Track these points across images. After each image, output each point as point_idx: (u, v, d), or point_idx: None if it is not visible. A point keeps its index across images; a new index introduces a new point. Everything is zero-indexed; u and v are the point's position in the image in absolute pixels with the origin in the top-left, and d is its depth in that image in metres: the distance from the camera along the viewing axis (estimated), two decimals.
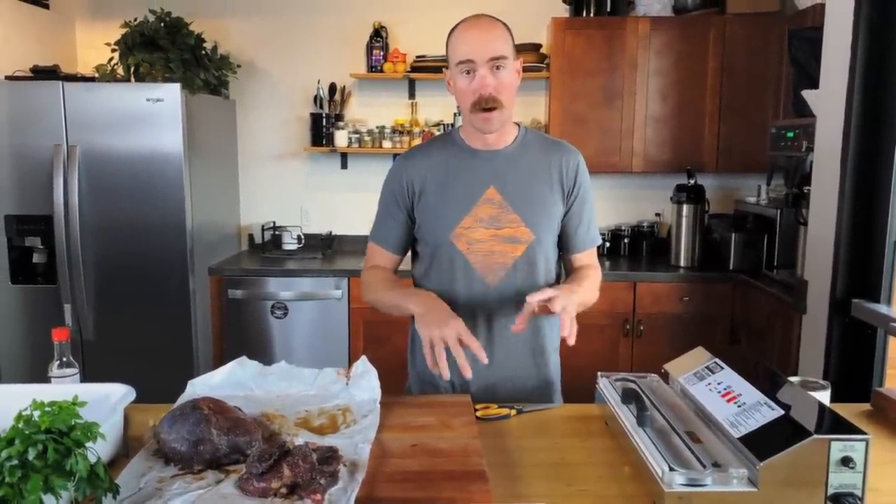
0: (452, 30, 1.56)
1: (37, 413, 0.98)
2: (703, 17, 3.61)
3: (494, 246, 1.59)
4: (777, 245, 3.35)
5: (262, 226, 3.94)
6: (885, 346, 2.39)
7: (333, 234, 4.00)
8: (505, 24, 1.55)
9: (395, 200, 1.65)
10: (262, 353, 3.49)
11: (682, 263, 3.63)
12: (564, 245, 1.69)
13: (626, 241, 3.95)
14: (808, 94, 2.81)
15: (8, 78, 3.27)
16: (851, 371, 2.49)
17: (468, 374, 1.33)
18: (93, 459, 0.98)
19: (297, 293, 3.51)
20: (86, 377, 3.29)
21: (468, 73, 1.50)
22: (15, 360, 3.34)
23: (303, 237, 3.97)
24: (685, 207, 3.60)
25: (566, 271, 1.74)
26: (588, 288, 1.61)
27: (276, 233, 3.97)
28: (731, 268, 3.51)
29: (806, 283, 2.71)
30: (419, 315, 1.44)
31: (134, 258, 3.27)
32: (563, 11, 3.75)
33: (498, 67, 1.50)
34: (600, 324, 3.45)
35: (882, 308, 2.35)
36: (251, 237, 4.10)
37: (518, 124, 1.67)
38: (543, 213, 1.62)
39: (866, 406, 1.51)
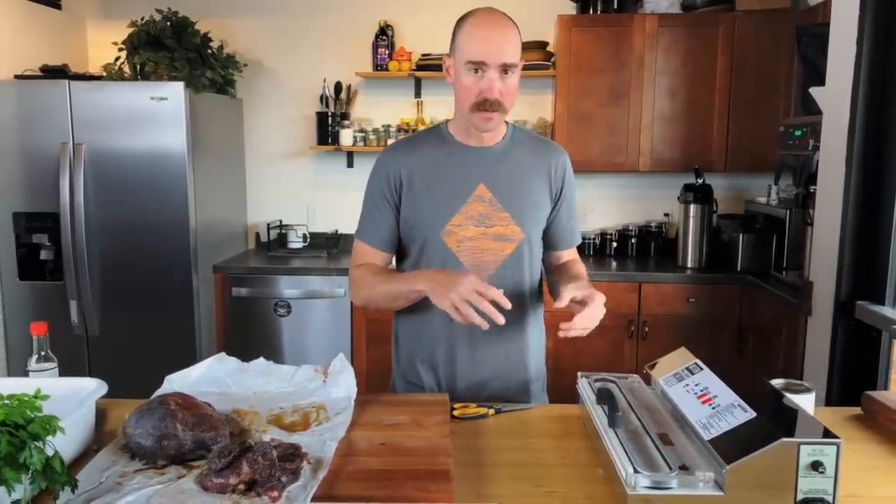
0: (464, 20, 1.51)
1: None
2: (712, 13, 3.55)
3: (484, 244, 1.57)
4: (786, 246, 3.29)
5: (268, 224, 3.96)
6: (889, 348, 2.33)
7: (339, 232, 4.00)
8: (515, 24, 1.51)
9: (382, 195, 1.61)
10: (265, 350, 3.47)
11: (690, 264, 3.58)
12: (550, 243, 1.69)
13: (633, 241, 3.90)
14: (815, 92, 2.75)
15: (17, 77, 3.31)
16: (856, 374, 2.43)
17: (500, 320, 1.34)
18: (50, 453, 0.98)
19: (300, 291, 3.52)
20: (91, 372, 3.34)
21: (476, 71, 1.47)
22: (23, 355, 3.38)
23: (308, 236, 3.98)
24: (692, 207, 3.55)
25: (547, 267, 1.72)
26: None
27: (282, 231, 3.99)
28: (738, 269, 3.46)
29: (811, 284, 2.65)
30: (430, 291, 1.40)
31: (138, 256, 3.30)
32: (570, 9, 3.71)
33: (507, 72, 1.47)
34: (604, 325, 3.33)
35: (887, 310, 2.29)
36: (258, 235, 4.11)
37: (506, 122, 1.64)
38: (533, 211, 1.60)
39: (857, 410, 1.47)
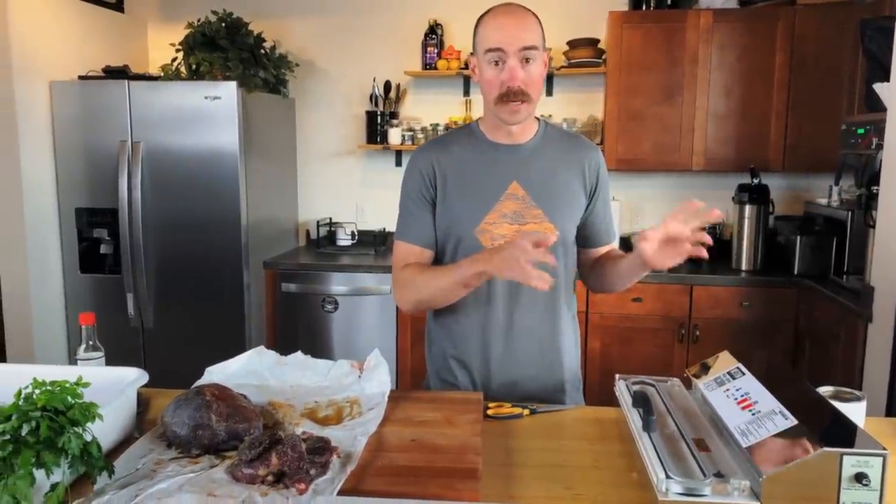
0: (481, 17, 1.53)
1: (37, 391, 1.02)
2: (770, 8, 3.43)
3: None
4: (847, 249, 3.16)
5: (318, 221, 4.02)
6: None
7: (387, 230, 4.03)
8: (535, 15, 1.51)
9: (419, 192, 1.60)
10: (312, 345, 3.55)
11: (744, 267, 3.47)
12: (590, 241, 1.67)
13: None
14: (879, 88, 2.63)
15: (80, 77, 3.45)
16: None
17: (550, 259, 1.32)
18: (89, 439, 1.01)
19: (348, 288, 3.56)
20: (146, 363, 3.44)
21: (496, 63, 1.47)
22: None
23: (356, 233, 4.02)
24: (748, 208, 3.44)
25: (586, 266, 1.69)
26: None
27: (332, 229, 4.04)
28: (795, 272, 3.33)
29: (872, 289, 2.53)
30: (495, 268, 1.37)
31: (191, 251, 3.39)
32: (622, 5, 3.64)
33: (528, 59, 1.46)
34: (654, 328, 3.34)
35: None
36: (308, 233, 4.18)
37: (538, 118, 1.63)
38: (566, 208, 1.58)
39: None
